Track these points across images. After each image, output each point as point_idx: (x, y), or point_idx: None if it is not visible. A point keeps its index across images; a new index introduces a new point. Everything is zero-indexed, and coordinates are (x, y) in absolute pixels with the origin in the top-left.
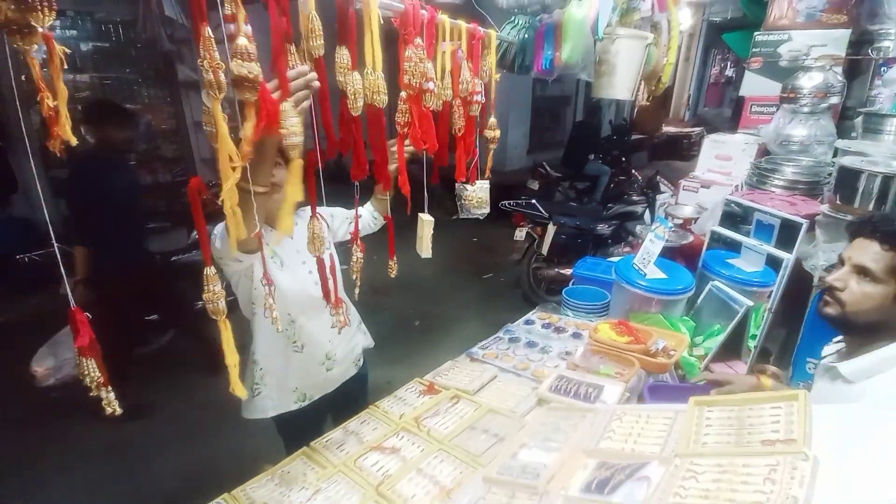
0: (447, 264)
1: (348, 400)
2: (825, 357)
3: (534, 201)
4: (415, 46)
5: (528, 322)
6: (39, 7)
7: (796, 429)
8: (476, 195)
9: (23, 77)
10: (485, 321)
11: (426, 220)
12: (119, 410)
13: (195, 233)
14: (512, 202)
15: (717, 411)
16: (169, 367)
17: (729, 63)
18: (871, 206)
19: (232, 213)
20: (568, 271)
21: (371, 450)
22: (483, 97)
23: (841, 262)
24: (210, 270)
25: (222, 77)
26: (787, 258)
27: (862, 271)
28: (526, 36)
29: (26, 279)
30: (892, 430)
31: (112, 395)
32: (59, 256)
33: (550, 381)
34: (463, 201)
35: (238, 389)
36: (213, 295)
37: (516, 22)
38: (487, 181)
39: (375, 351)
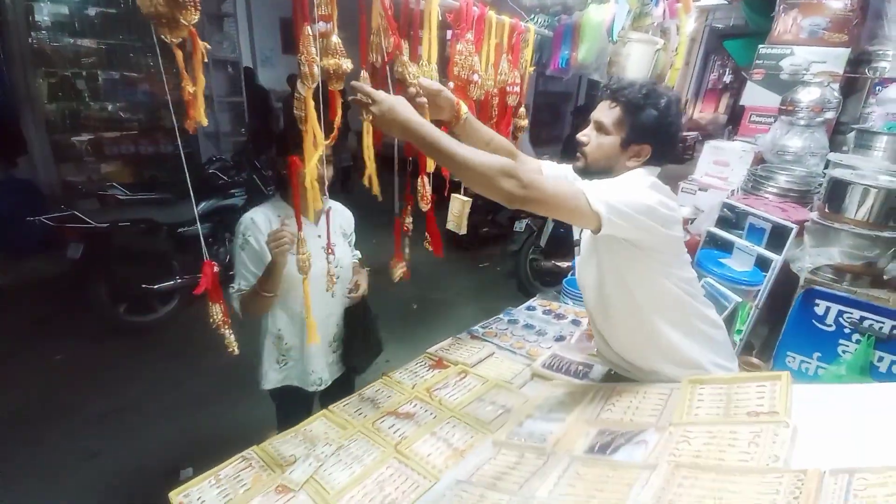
0: (445, 252)
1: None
2: None
3: None
4: (465, 41)
5: (529, 308)
6: (188, 5)
7: (778, 403)
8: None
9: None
10: (480, 308)
11: (465, 201)
12: (237, 351)
13: (200, 206)
14: None
15: (709, 388)
16: (171, 336)
17: (727, 70)
18: (857, 216)
19: (311, 186)
20: (564, 264)
21: (387, 414)
22: (519, 88)
23: (588, 125)
24: (303, 235)
25: (316, 70)
26: (777, 259)
27: (599, 126)
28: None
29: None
30: (862, 404)
31: (233, 337)
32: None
33: (544, 359)
34: None
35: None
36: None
37: (536, 20)
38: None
39: None
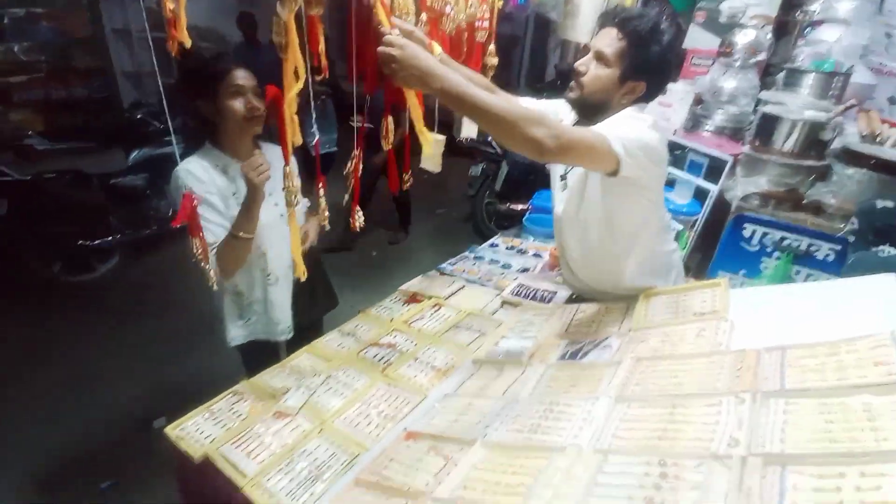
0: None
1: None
2: None
3: (489, 138)
4: None
5: (492, 245)
6: None
7: (719, 304)
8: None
9: None
10: (439, 252)
11: (440, 140)
12: (216, 287)
13: (132, 155)
14: (467, 138)
15: (661, 298)
16: (119, 292)
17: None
18: (783, 147)
19: (290, 120)
20: (518, 207)
21: (370, 345)
22: (489, 24)
23: (587, 52)
24: (291, 168)
25: None
26: (713, 189)
27: (599, 56)
28: None
29: None
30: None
31: (213, 272)
32: None
33: (513, 287)
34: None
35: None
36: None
37: None
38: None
39: (337, 280)
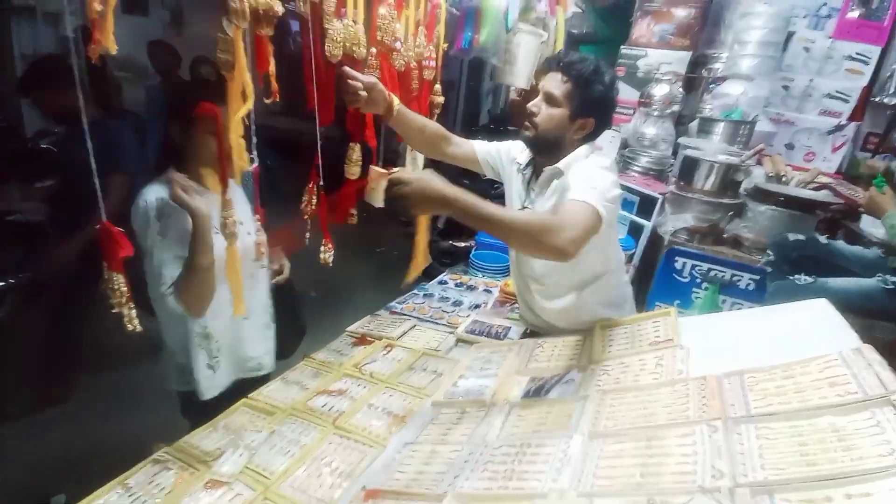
0: (337, 239)
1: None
2: (533, 173)
3: None
4: (387, 5)
5: (441, 282)
6: None
7: (671, 332)
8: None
9: None
10: (383, 290)
11: (382, 172)
12: (139, 328)
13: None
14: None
15: (617, 329)
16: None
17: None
18: (704, 186)
19: (236, 145)
20: (461, 244)
21: (318, 394)
22: (435, 63)
23: (537, 94)
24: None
25: (247, 6)
26: (647, 225)
27: (549, 98)
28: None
29: None
30: (735, 329)
31: (134, 313)
32: None
33: (466, 325)
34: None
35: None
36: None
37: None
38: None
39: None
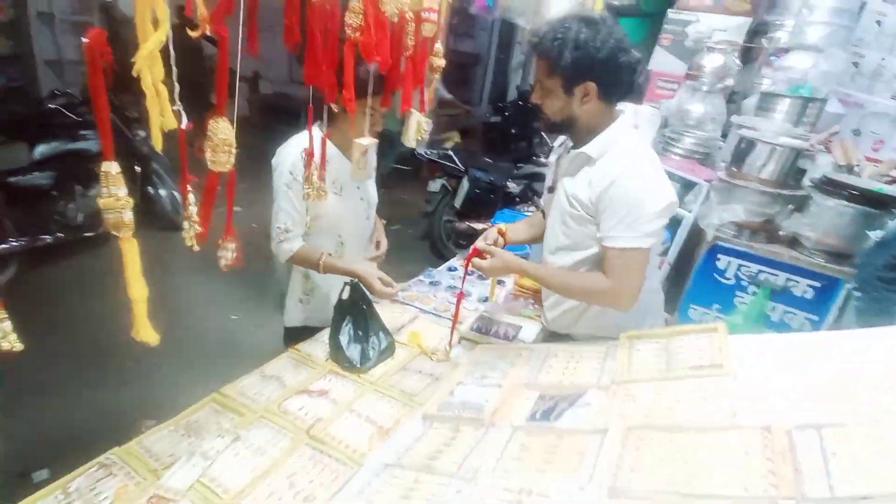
0: None
1: None
2: (568, 150)
3: (450, 153)
4: None
5: (450, 269)
6: None
7: (719, 355)
8: (423, 126)
9: None
10: (393, 271)
11: (367, 144)
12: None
13: (38, 149)
14: (428, 152)
15: (646, 343)
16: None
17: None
18: (760, 174)
19: (155, 91)
20: (479, 226)
21: (296, 393)
22: (437, 17)
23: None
24: (112, 167)
25: None
26: (687, 216)
27: (541, 84)
28: None
29: None
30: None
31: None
32: None
33: (472, 321)
34: (409, 128)
35: (145, 331)
36: (119, 202)
37: None
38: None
39: (268, 305)
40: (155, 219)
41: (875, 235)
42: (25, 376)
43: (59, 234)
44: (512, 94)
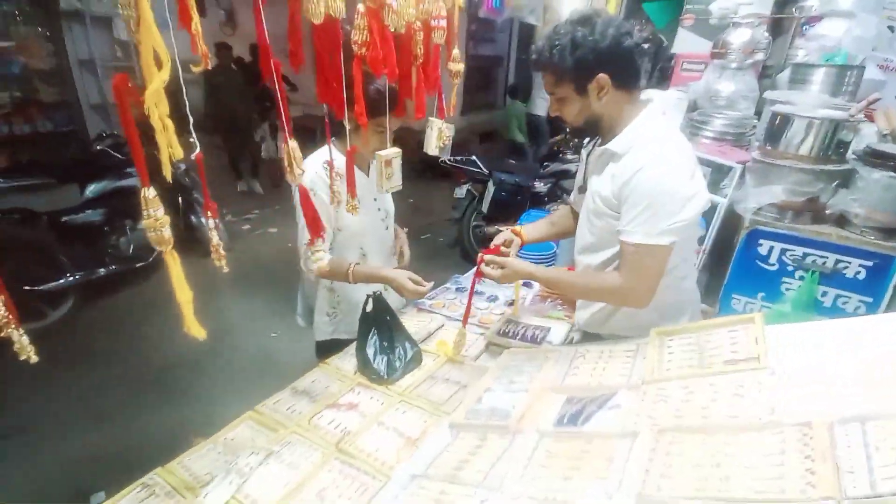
0: None
1: None
2: (597, 149)
3: (474, 157)
4: None
5: None
6: None
7: (755, 348)
8: (445, 132)
9: None
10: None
11: (394, 155)
12: (35, 357)
13: (89, 189)
14: (451, 158)
15: (678, 339)
16: (73, 338)
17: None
18: (799, 151)
19: (162, 125)
20: (507, 228)
21: (326, 408)
22: (446, 24)
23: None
24: (149, 192)
25: None
26: (722, 202)
27: (554, 95)
28: None
29: None
30: (848, 345)
31: (26, 339)
32: None
33: (498, 326)
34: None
35: (194, 327)
36: (158, 221)
37: None
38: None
39: (292, 318)
40: (198, 245)
41: None
42: (84, 402)
43: (113, 267)
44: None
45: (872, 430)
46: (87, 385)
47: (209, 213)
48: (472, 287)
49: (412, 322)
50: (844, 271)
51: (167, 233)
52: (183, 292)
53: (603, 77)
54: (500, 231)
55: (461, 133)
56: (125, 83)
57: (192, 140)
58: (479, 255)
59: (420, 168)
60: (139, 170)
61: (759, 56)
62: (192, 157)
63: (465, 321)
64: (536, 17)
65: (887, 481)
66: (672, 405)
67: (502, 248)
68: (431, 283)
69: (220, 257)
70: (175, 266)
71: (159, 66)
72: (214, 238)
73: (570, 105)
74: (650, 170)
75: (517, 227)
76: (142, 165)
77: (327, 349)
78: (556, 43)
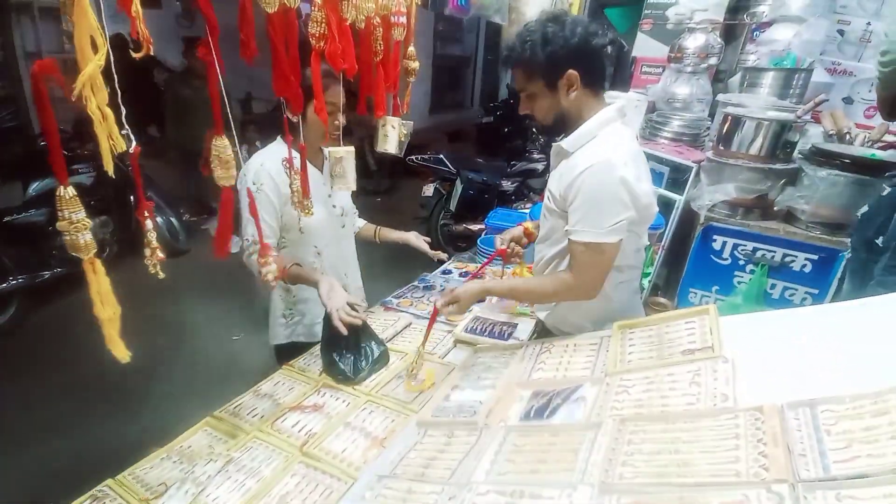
0: None
1: None
2: (554, 146)
3: (441, 156)
4: None
5: (445, 272)
6: None
7: (710, 338)
8: (403, 130)
9: None
10: (394, 279)
11: (346, 152)
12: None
13: (32, 187)
14: (419, 157)
15: (639, 331)
16: (19, 345)
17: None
18: (750, 150)
19: (101, 116)
20: (475, 227)
21: (289, 410)
22: (406, 20)
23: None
24: (67, 192)
25: None
26: (679, 199)
27: (524, 93)
28: None
29: None
30: (797, 334)
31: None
32: None
33: (466, 323)
34: (391, 134)
35: (116, 348)
36: (73, 225)
37: None
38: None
39: (258, 322)
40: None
41: (860, 212)
42: (32, 412)
43: (59, 269)
44: (503, 93)
45: (822, 415)
46: (34, 394)
47: (145, 214)
48: (430, 327)
49: (379, 321)
50: (791, 265)
51: (86, 238)
52: (106, 308)
53: (573, 73)
54: (477, 229)
55: (429, 132)
56: (48, 69)
57: (124, 132)
58: (434, 306)
59: (388, 166)
60: (55, 166)
61: (713, 60)
62: (130, 150)
63: (424, 340)
64: (502, 17)
65: (841, 466)
66: (633, 395)
67: (512, 246)
68: (364, 315)
69: (155, 261)
70: (96, 278)
71: (95, 50)
72: (153, 241)
73: (540, 101)
74: (593, 173)
75: (528, 224)
76: (59, 160)
77: (286, 354)
78: (528, 39)
